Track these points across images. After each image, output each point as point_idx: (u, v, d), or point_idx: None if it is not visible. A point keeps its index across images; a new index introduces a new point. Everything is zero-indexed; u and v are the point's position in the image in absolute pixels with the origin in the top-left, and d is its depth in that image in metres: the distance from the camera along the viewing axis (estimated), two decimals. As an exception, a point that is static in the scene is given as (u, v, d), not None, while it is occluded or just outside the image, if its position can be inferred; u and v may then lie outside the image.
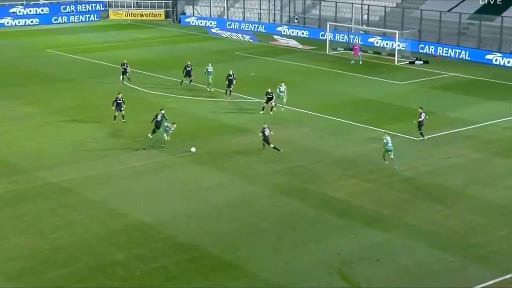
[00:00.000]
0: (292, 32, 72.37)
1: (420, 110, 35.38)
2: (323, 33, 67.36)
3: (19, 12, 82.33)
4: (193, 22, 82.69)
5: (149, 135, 34.71)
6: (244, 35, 71.59)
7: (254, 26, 76.70)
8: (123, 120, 38.26)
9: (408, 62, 57.57)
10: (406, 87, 48.84)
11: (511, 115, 40.25)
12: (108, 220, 25.78)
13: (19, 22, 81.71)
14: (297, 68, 55.66)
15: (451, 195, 28.29)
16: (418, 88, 48.55)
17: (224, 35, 73.41)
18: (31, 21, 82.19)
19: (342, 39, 66.38)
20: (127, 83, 47.50)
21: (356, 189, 28.95)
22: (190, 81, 47.15)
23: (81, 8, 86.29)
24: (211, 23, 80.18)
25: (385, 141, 31.40)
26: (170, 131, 33.74)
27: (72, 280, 21.42)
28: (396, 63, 57.35)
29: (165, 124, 34.03)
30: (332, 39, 64.93)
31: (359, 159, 32.57)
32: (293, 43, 66.74)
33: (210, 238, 24.29)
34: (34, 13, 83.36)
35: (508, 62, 56.12)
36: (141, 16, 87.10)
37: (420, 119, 35.18)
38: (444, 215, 26.26)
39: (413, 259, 22.84)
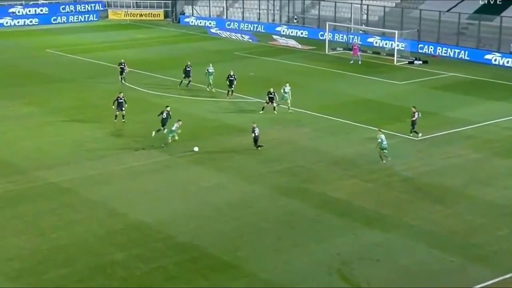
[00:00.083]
0: (292, 32, 72.35)
1: (413, 109, 35.48)
2: (322, 33, 67.39)
3: (18, 12, 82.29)
4: (192, 22, 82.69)
5: (153, 132, 34.89)
6: (243, 35, 71.58)
7: (253, 26, 76.70)
8: (123, 120, 38.26)
9: (407, 62, 57.58)
10: (405, 87, 48.85)
11: (511, 115, 40.26)
12: (107, 220, 25.77)
13: (18, 22, 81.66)
14: (297, 68, 55.66)
15: (451, 195, 28.29)
16: (417, 88, 48.57)
17: (223, 35, 73.39)
18: (30, 21, 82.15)
19: (341, 39, 66.40)
20: (124, 83, 47.53)
21: (356, 189, 28.95)
22: (189, 82, 47.14)
23: (80, 8, 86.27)
24: (210, 23, 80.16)
25: (379, 140, 31.55)
26: (178, 131, 33.74)
27: (71, 280, 21.41)
28: (395, 63, 57.36)
29: (172, 128, 34.02)
30: (331, 39, 64.96)
31: (359, 159, 32.56)
32: (292, 43, 66.73)
33: (209, 238, 24.28)
34: (33, 13, 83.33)
35: (508, 62, 56.12)
36: (140, 16, 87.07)
37: (414, 118, 35.30)
38: (444, 215, 26.26)
39: (413, 259, 22.83)
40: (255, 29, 75.79)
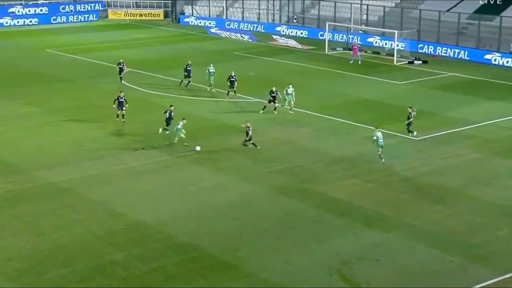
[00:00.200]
0: (291, 32, 72.35)
1: (410, 110, 35.49)
2: (322, 33, 67.40)
3: (18, 12, 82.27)
4: (192, 22, 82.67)
5: (160, 129, 35.27)
6: (243, 35, 71.58)
7: (253, 26, 76.68)
8: (123, 120, 38.27)
9: (407, 62, 57.59)
10: (405, 87, 48.85)
11: (511, 115, 40.26)
12: (107, 220, 25.75)
13: (18, 22, 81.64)
14: (296, 68, 55.65)
15: (451, 195, 28.28)
16: (417, 88, 48.56)
17: (223, 35, 73.38)
18: (30, 21, 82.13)
19: (341, 39, 66.41)
20: (122, 82, 47.55)
21: (356, 189, 28.94)
22: (188, 82, 47.13)
23: (80, 8, 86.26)
24: (210, 23, 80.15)
25: (374, 137, 31.67)
26: (183, 130, 33.78)
27: (71, 280, 21.40)
28: (395, 63, 57.36)
29: (177, 127, 34.07)
30: (331, 39, 64.95)
31: (359, 159, 32.56)
32: (292, 43, 66.73)
33: (209, 238, 24.27)
34: (33, 13, 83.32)
35: (507, 62, 56.12)
36: (140, 16, 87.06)
37: (411, 119, 35.28)
38: (444, 215, 26.25)
39: (413, 259, 22.82)
40: (255, 29, 75.79)
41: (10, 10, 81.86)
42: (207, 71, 46.26)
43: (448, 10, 63.76)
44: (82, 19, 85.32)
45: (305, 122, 38.97)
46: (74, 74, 52.96)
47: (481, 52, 58.19)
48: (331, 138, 36.22)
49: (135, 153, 33.46)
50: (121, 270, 22.01)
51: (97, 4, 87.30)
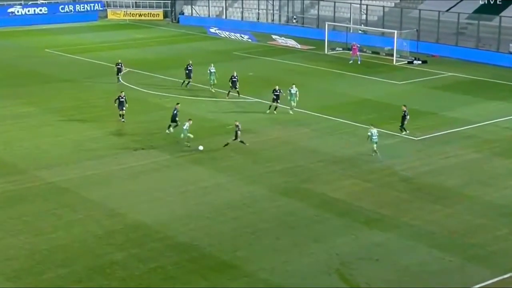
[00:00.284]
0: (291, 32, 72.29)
1: (404, 108, 35.50)
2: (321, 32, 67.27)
3: (18, 12, 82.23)
4: (191, 22, 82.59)
5: (167, 130, 35.49)
6: (242, 35, 71.54)
7: (253, 26, 76.61)
8: (123, 120, 38.25)
9: (406, 62, 57.55)
10: (405, 87, 48.82)
11: (511, 115, 40.22)
12: (106, 220, 25.72)
13: (17, 22, 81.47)
14: (296, 68, 55.63)
15: (450, 195, 28.25)
16: (417, 88, 48.54)
17: (222, 35, 73.35)
18: (30, 21, 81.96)
19: (340, 39, 66.26)
20: (120, 82, 47.54)
21: (356, 189, 28.91)
22: (188, 82, 47.10)
23: (80, 8, 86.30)
24: (209, 23, 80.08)
25: (369, 134, 31.78)
26: (188, 130, 33.76)
27: (70, 280, 21.36)
28: (394, 63, 57.33)
29: (183, 127, 34.02)
30: (330, 39, 64.85)
31: (359, 159, 32.53)
32: (291, 43, 66.69)
33: (209, 238, 24.24)
34: (33, 13, 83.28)
35: (507, 62, 56.00)
36: (139, 16, 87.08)
37: (407, 118, 35.29)
38: (443, 215, 26.23)
39: (413, 259, 22.79)
40: (254, 29, 75.72)
41: (10, 10, 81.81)
42: (208, 71, 46.22)
43: (447, 10, 63.73)
44: (82, 19, 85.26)
45: (305, 122, 38.93)
46: (74, 74, 52.93)
47: (481, 52, 58.08)
48: (330, 138, 36.19)
49: (135, 153, 33.44)
50: (121, 270, 21.98)
51: (96, 4, 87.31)
